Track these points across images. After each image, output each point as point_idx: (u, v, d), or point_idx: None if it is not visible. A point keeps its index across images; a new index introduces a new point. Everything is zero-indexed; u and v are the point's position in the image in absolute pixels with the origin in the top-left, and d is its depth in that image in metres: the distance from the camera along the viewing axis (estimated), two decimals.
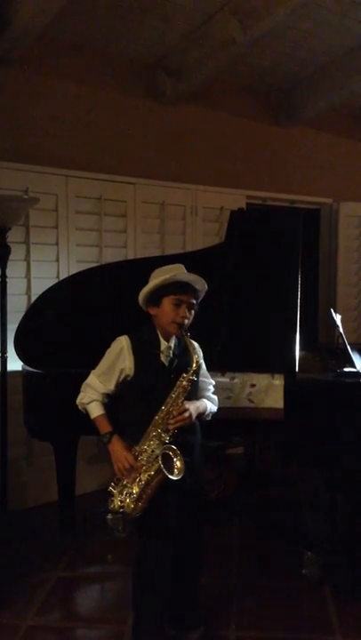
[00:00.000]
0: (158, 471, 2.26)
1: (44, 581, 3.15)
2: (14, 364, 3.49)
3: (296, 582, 3.11)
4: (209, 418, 2.56)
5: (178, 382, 2.36)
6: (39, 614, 2.87)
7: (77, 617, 2.92)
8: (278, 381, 2.96)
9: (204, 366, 2.58)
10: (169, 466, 2.27)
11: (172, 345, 2.46)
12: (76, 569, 3.31)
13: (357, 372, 3.08)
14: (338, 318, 3.53)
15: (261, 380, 2.99)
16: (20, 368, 3.43)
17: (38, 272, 4.04)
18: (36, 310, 3.45)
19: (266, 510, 4.06)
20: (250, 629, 2.75)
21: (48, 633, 2.77)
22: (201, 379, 2.55)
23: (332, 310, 3.74)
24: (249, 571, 3.27)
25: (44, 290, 3.50)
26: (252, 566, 3.32)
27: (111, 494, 2.38)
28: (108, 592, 3.11)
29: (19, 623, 2.79)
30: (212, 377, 2.70)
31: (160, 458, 2.26)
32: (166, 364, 2.44)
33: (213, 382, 2.66)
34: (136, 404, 2.43)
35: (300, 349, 3.09)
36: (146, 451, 2.33)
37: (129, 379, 2.44)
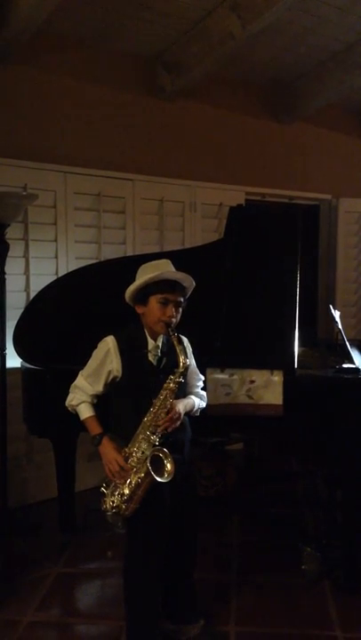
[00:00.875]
0: (148, 473, 2.25)
1: (44, 577, 3.16)
2: (13, 360, 3.49)
3: (296, 578, 3.12)
4: (197, 414, 2.56)
5: (165, 385, 2.33)
6: (39, 610, 2.88)
7: (78, 613, 2.93)
8: (277, 377, 2.96)
9: (193, 362, 2.56)
10: (159, 468, 2.26)
11: (160, 344, 2.44)
12: (77, 565, 3.32)
13: (356, 369, 3.08)
14: (337, 314, 3.53)
15: (260, 376, 2.98)
16: (19, 365, 3.43)
17: (37, 269, 4.04)
18: (35, 307, 3.45)
19: (265, 506, 4.06)
20: (249, 625, 2.76)
21: (48, 629, 2.78)
22: (190, 375, 2.53)
23: (331, 306, 3.74)
24: (248, 566, 3.28)
25: (43, 287, 3.49)
26: (252, 562, 3.33)
27: (103, 495, 2.38)
28: (108, 588, 3.12)
29: (19, 619, 2.80)
30: (212, 373, 2.69)
31: (149, 461, 2.25)
32: (154, 363, 2.42)
33: (203, 378, 2.65)
34: (125, 404, 2.42)
35: (300, 345, 3.09)
36: (136, 452, 2.32)
37: (117, 379, 2.42)
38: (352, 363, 3.14)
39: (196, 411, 2.54)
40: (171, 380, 2.33)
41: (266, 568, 3.25)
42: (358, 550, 3.01)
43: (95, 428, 2.43)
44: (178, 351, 2.33)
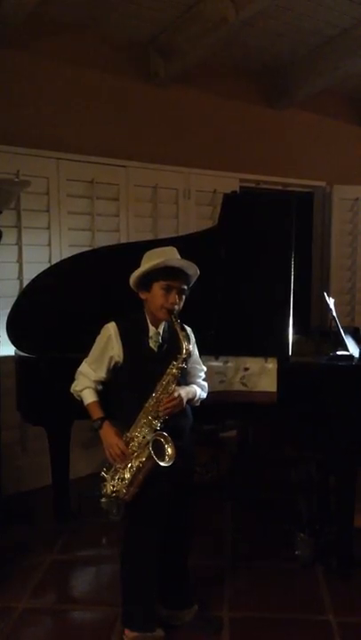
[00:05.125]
0: (149, 458, 2.27)
1: (38, 565, 3.17)
2: (7, 348, 3.48)
3: (289, 563, 3.15)
4: (198, 404, 2.57)
5: (168, 370, 2.36)
6: (34, 597, 2.90)
7: (72, 599, 2.94)
8: (271, 365, 2.97)
9: (196, 352, 2.59)
10: (160, 452, 2.28)
11: (161, 331, 2.46)
12: (71, 552, 3.33)
13: (350, 356, 3.09)
14: (331, 302, 3.53)
15: (255, 363, 2.99)
16: (12, 353, 3.42)
17: (30, 256, 4.01)
18: (29, 295, 3.42)
19: (259, 492, 4.08)
20: (243, 610, 2.78)
21: (43, 615, 2.80)
22: (192, 365, 2.56)
23: (325, 294, 3.74)
24: (242, 552, 3.30)
25: (37, 274, 3.47)
26: (246, 548, 3.35)
27: (103, 479, 2.41)
28: (103, 575, 3.13)
29: (14, 606, 2.81)
30: (206, 361, 2.70)
31: (150, 445, 2.27)
32: (155, 349, 2.44)
33: (205, 369, 2.66)
34: (126, 389, 2.45)
35: (294, 333, 3.09)
36: (137, 437, 2.34)
37: (119, 365, 2.45)
38: (346, 350, 3.14)
39: (197, 400, 2.56)
40: (173, 365, 2.36)
41: (260, 554, 3.27)
42: (351, 536, 3.03)
43: (97, 413, 2.46)
44: (180, 337, 2.36)
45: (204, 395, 2.60)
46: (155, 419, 2.34)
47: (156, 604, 2.53)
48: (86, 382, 2.50)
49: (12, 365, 3.43)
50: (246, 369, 2.99)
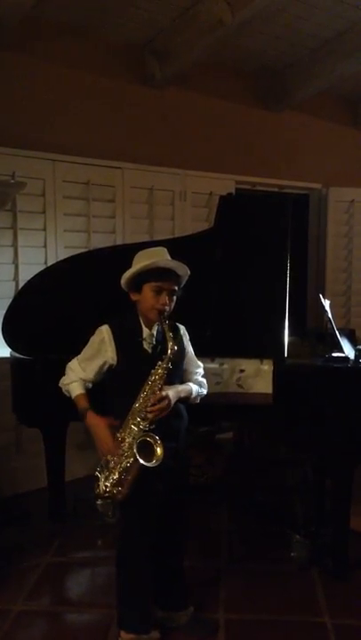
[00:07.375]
0: (135, 458, 2.26)
1: (34, 567, 3.17)
2: (2, 350, 3.47)
3: (285, 565, 3.15)
4: (197, 401, 2.56)
5: (153, 370, 2.34)
6: (29, 599, 2.89)
7: (68, 601, 2.94)
8: (267, 367, 2.97)
9: (191, 350, 2.58)
10: (147, 453, 2.27)
11: (155, 332, 2.45)
12: (67, 554, 3.32)
13: (346, 357, 3.09)
14: (327, 304, 3.53)
15: (250, 365, 2.99)
16: (7, 354, 3.41)
17: (26, 258, 4.01)
18: (24, 296, 3.42)
19: (255, 494, 4.08)
20: (238, 612, 2.78)
21: (38, 617, 2.79)
22: (188, 363, 2.55)
23: (320, 296, 3.74)
24: (238, 554, 3.30)
25: (32, 276, 3.47)
26: (241, 549, 3.35)
27: (97, 479, 2.39)
28: (98, 577, 3.12)
29: (9, 608, 2.80)
30: (202, 363, 2.70)
31: (135, 446, 2.26)
32: (150, 351, 2.43)
33: (201, 365, 2.65)
34: (121, 391, 2.43)
35: (289, 335, 3.10)
36: (127, 438, 2.33)
37: (113, 367, 2.44)
38: (341, 352, 3.14)
39: (196, 397, 2.54)
40: (159, 365, 2.34)
41: (255, 555, 3.28)
42: (347, 538, 3.04)
43: (82, 404, 2.45)
44: (167, 338, 2.35)
45: (204, 391, 2.59)
46: (143, 420, 2.31)
47: (151, 605, 2.52)
48: (74, 377, 2.48)
49: (7, 367, 3.42)
50: (242, 371, 2.99)
